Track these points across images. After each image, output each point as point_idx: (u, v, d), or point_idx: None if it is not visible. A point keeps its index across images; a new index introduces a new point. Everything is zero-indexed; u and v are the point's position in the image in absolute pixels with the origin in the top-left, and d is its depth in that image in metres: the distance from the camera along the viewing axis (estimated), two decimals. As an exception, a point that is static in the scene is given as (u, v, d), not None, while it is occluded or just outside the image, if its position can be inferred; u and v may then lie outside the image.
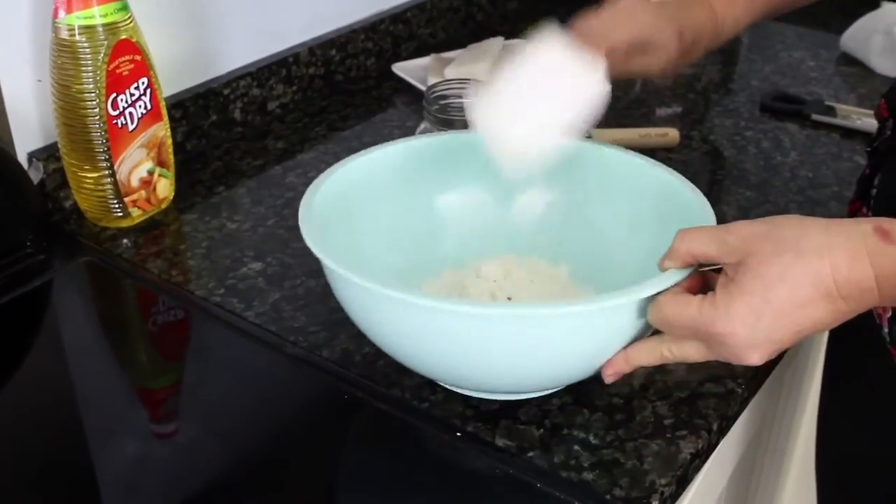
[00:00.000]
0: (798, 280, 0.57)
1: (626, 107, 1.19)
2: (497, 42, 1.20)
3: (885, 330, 0.74)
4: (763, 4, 0.87)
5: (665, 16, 0.80)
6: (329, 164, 1.03)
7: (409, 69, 1.21)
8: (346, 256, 0.68)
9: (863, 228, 0.58)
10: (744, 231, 0.61)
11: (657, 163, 0.78)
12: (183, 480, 0.70)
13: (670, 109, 1.19)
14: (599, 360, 0.67)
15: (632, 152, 0.80)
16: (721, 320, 0.59)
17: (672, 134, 1.08)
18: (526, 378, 0.70)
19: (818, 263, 0.57)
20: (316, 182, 0.75)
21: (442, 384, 0.74)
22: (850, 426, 0.87)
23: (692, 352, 0.63)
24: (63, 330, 0.87)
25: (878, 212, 0.77)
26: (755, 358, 0.60)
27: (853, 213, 0.83)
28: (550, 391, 0.74)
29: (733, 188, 1.02)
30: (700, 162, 1.08)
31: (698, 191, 0.74)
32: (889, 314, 0.73)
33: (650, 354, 0.66)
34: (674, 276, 0.63)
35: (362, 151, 0.80)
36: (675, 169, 0.78)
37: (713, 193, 1.00)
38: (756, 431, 0.95)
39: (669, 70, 0.82)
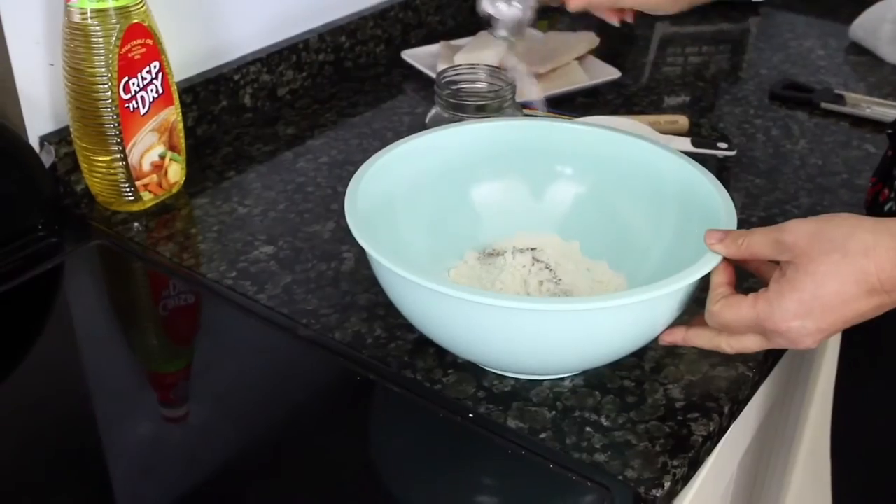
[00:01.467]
0: (845, 278, 0.62)
1: (634, 94, 1.19)
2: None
3: None
4: None
5: None
6: (339, 151, 1.04)
7: (418, 56, 1.21)
8: (387, 243, 0.71)
9: None
10: (797, 229, 0.65)
11: (686, 157, 0.79)
12: (194, 462, 0.70)
13: (679, 98, 1.19)
14: (635, 345, 0.71)
15: (659, 144, 0.81)
16: (776, 315, 0.64)
17: (682, 121, 1.08)
18: (562, 361, 0.72)
19: (863, 262, 0.61)
20: (356, 175, 0.76)
21: (473, 361, 0.74)
22: (865, 410, 0.87)
23: (750, 344, 0.68)
24: (74, 313, 0.87)
25: None
26: (809, 343, 0.65)
27: (874, 193, 0.83)
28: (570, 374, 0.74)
29: (742, 175, 1.02)
30: (724, 157, 1.07)
31: (723, 188, 0.75)
32: None
33: (709, 342, 0.69)
34: (711, 262, 0.67)
35: (399, 142, 0.81)
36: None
37: (722, 180, 1.00)
38: (767, 415, 0.95)
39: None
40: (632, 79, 1.23)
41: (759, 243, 0.66)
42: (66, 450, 0.71)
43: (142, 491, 0.68)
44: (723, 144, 1.02)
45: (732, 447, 0.85)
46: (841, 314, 0.63)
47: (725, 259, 0.68)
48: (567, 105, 1.13)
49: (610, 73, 1.19)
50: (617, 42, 1.35)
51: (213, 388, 0.78)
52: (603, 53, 1.24)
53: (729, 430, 0.76)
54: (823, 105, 1.15)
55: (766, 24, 1.43)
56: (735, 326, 0.66)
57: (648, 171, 0.81)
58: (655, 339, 0.71)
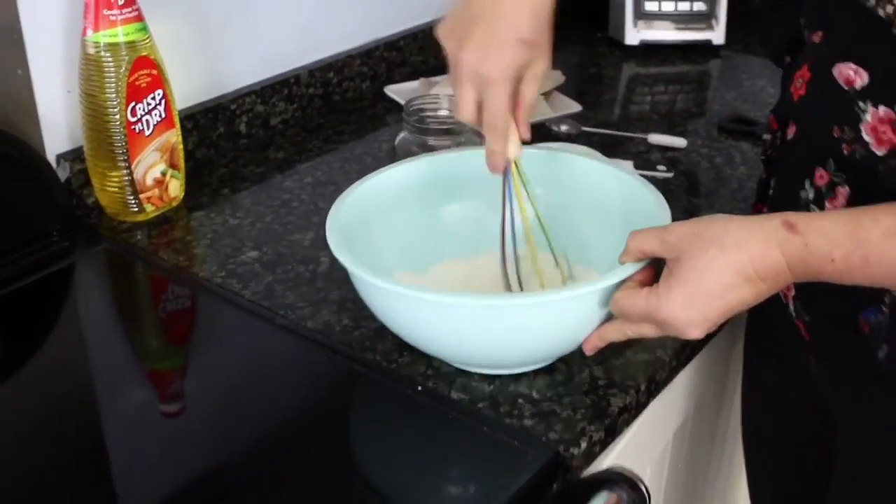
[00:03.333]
0: (723, 269, 0.70)
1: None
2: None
3: (791, 307, 0.85)
4: None
5: (501, 48, 0.80)
6: (322, 173, 1.17)
7: (400, 91, 1.34)
8: (365, 255, 0.81)
9: (773, 223, 0.70)
10: (679, 231, 0.74)
11: (627, 170, 0.90)
12: (181, 434, 0.81)
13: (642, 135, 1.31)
14: (578, 338, 0.80)
15: (606, 160, 0.92)
16: (664, 307, 0.72)
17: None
18: (513, 356, 0.82)
19: (738, 255, 0.70)
20: (339, 199, 0.86)
21: (447, 361, 0.84)
22: (768, 399, 0.99)
23: (647, 331, 0.77)
24: (83, 307, 0.99)
25: (775, 210, 0.88)
26: (696, 333, 0.73)
27: (757, 212, 0.94)
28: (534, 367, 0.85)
29: (684, 196, 1.14)
30: (663, 179, 1.19)
31: (659, 193, 0.86)
32: (793, 292, 0.85)
33: (617, 333, 0.79)
34: (626, 270, 0.76)
35: (379, 170, 0.91)
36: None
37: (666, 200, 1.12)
38: (702, 398, 1.06)
39: (548, 65, 0.84)
40: (600, 119, 1.34)
41: (646, 241, 0.75)
42: (69, 436, 0.80)
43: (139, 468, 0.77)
44: (661, 167, 1.14)
45: (662, 421, 0.96)
46: (723, 303, 0.71)
47: (650, 264, 0.77)
48: (539, 135, 1.24)
49: (572, 107, 1.31)
50: (583, 81, 1.48)
51: (203, 367, 0.89)
52: (571, 91, 1.36)
53: (649, 406, 0.87)
54: (765, 136, 1.27)
55: (725, 66, 1.55)
56: (631, 314, 0.75)
57: (595, 186, 0.92)
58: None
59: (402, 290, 0.76)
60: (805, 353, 0.88)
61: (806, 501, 0.97)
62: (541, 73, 0.83)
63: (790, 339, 0.88)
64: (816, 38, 0.80)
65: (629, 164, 1.14)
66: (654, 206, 0.85)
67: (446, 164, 0.94)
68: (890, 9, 0.70)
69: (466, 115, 0.81)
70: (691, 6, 1.55)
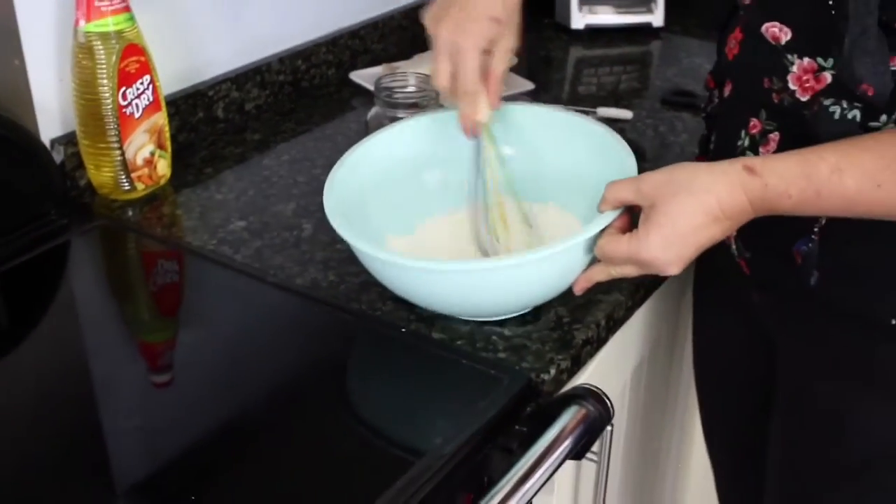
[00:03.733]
0: (694, 211, 0.80)
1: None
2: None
3: (733, 247, 0.96)
4: None
5: (473, 23, 0.91)
6: (297, 151, 1.26)
7: (364, 76, 1.43)
8: (359, 222, 0.90)
9: (735, 167, 0.80)
10: (651, 179, 0.83)
11: (592, 120, 1.00)
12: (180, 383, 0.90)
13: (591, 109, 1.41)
14: (563, 284, 0.89)
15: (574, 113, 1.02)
16: (643, 249, 0.81)
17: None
18: (500, 307, 0.91)
19: (706, 197, 0.80)
20: (331, 175, 0.94)
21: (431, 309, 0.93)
22: (716, 336, 1.09)
23: (629, 270, 0.85)
24: (77, 282, 1.07)
25: (716, 160, 0.98)
26: (674, 270, 0.82)
27: None
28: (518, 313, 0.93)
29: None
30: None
31: (623, 141, 0.95)
32: (734, 233, 0.95)
33: (603, 274, 0.88)
34: (606, 218, 0.85)
35: (362, 142, 1.00)
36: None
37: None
38: (653, 345, 1.16)
39: (516, 43, 0.96)
40: (552, 96, 1.44)
41: (622, 190, 0.84)
42: (64, 406, 0.85)
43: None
44: (611, 134, 1.25)
45: (622, 357, 1.07)
46: (695, 240, 0.81)
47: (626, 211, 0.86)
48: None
49: (525, 86, 1.41)
50: (534, 63, 1.58)
51: (205, 327, 0.98)
52: (522, 73, 1.46)
53: (610, 341, 0.97)
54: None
55: (665, 47, 1.66)
56: (614, 258, 0.84)
57: (563, 134, 1.01)
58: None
59: (398, 259, 0.85)
60: (748, 289, 0.99)
61: (753, 428, 1.08)
62: (508, 48, 0.94)
63: (734, 277, 0.98)
64: (747, 1, 0.90)
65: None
66: (617, 147, 0.94)
67: (423, 128, 1.03)
68: None
69: (442, 82, 0.92)
70: (632, -9, 1.66)
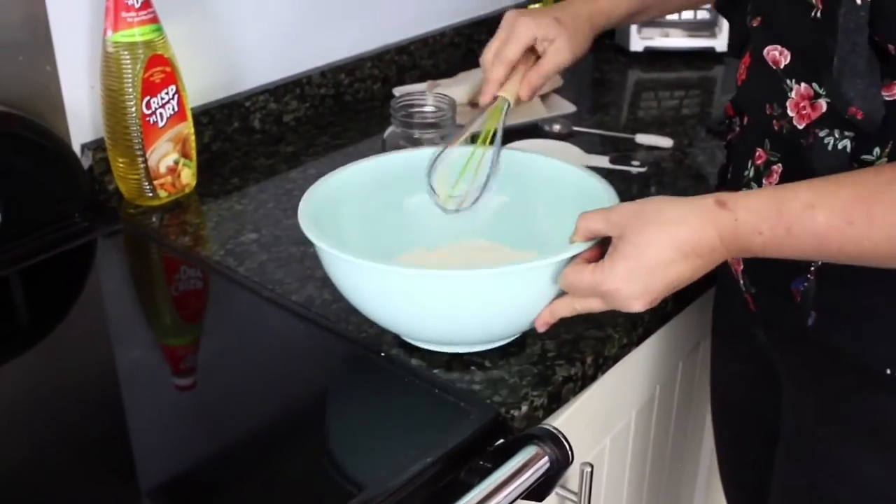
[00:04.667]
0: (663, 245, 0.76)
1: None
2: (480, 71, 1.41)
3: (741, 281, 0.93)
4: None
5: (540, 14, 1.00)
6: (325, 165, 1.26)
7: (408, 92, 1.43)
8: (333, 238, 0.88)
9: (707, 202, 0.77)
10: (622, 210, 0.81)
11: (578, 166, 0.98)
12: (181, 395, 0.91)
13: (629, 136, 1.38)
14: (529, 316, 0.86)
15: (559, 159, 1.00)
16: (608, 280, 0.78)
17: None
18: (469, 333, 0.89)
19: (675, 231, 0.76)
20: (310, 189, 0.95)
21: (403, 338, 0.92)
22: (730, 370, 1.07)
23: (594, 304, 0.82)
24: (102, 280, 1.10)
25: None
26: (637, 306, 0.79)
27: None
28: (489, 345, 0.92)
29: (659, 191, 1.21)
30: (638, 174, 1.26)
31: (610, 186, 0.92)
32: (742, 266, 0.92)
33: (566, 308, 0.85)
34: (574, 249, 0.83)
35: (346, 165, 1.01)
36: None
37: (639, 191, 1.20)
38: (665, 383, 1.13)
39: (572, 55, 1.00)
40: (595, 120, 1.42)
41: (593, 220, 0.81)
42: (90, 402, 0.89)
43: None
44: (635, 162, 1.22)
45: (621, 396, 1.04)
46: (662, 276, 0.77)
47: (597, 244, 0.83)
48: (532, 132, 1.33)
49: (567, 108, 1.39)
50: (586, 84, 1.55)
51: (204, 332, 0.99)
52: (569, 94, 1.44)
53: (601, 379, 0.94)
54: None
55: (728, 72, 1.61)
56: (578, 288, 0.81)
57: (553, 181, 1.00)
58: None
59: (345, 256, 0.83)
60: (754, 324, 0.96)
61: (761, 465, 1.04)
62: (560, 50, 0.99)
63: (743, 312, 0.95)
64: (755, 23, 0.87)
65: (605, 159, 1.21)
66: (604, 194, 0.92)
67: (409, 159, 1.02)
68: None
69: (487, 54, 1.00)
70: (695, 14, 1.61)
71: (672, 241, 0.77)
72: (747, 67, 0.89)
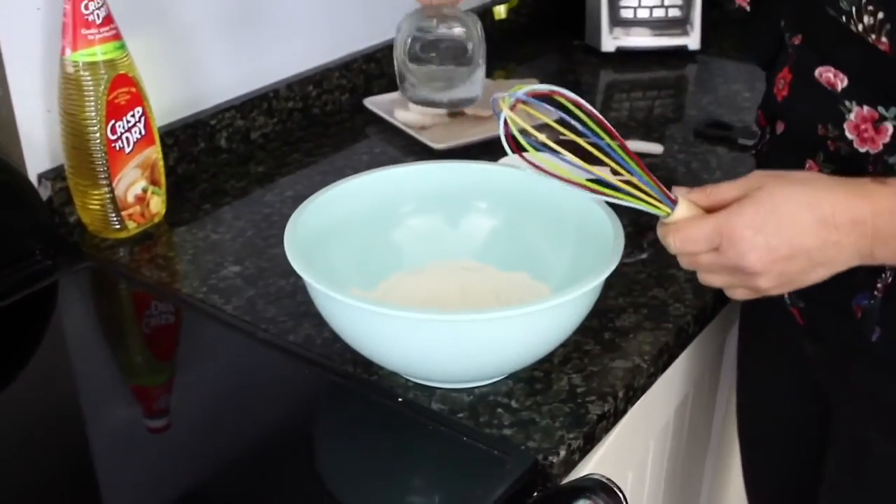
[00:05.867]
0: (801, 203, 0.68)
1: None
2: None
3: (786, 296, 0.88)
4: None
5: None
6: (303, 186, 1.18)
7: (379, 103, 1.35)
8: (322, 270, 0.82)
9: (862, 179, 0.71)
10: (764, 173, 0.72)
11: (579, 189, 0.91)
12: (167, 444, 0.82)
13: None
14: (541, 348, 0.82)
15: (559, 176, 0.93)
16: (734, 220, 0.69)
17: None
18: (481, 370, 0.84)
19: (822, 193, 0.69)
20: (296, 212, 0.88)
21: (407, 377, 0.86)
22: (763, 387, 1.02)
23: (708, 261, 0.72)
24: (66, 326, 1.00)
25: None
26: (753, 258, 0.69)
27: None
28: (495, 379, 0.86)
29: (660, 202, 1.15)
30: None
31: (612, 212, 0.87)
32: None
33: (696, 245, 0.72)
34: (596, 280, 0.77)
35: (334, 183, 0.94)
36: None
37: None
38: (682, 402, 1.08)
39: None
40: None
41: (727, 189, 0.71)
42: (56, 455, 0.81)
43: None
44: (637, 174, 1.16)
45: (643, 426, 0.98)
46: (789, 236, 0.68)
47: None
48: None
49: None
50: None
51: (187, 383, 0.90)
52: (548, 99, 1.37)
53: (629, 413, 0.88)
54: (741, 141, 1.29)
55: (701, 71, 1.57)
56: (695, 237, 0.71)
57: (551, 201, 0.93)
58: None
59: (347, 300, 0.77)
60: (800, 338, 0.91)
61: (801, 479, 1.00)
62: None
63: (785, 326, 0.91)
64: (797, 40, 0.82)
65: (605, 170, 1.15)
66: (607, 221, 0.86)
67: (396, 179, 0.96)
68: (860, 27, 0.73)
69: None
70: (666, 12, 1.56)
71: (812, 199, 0.69)
72: (789, 83, 0.83)
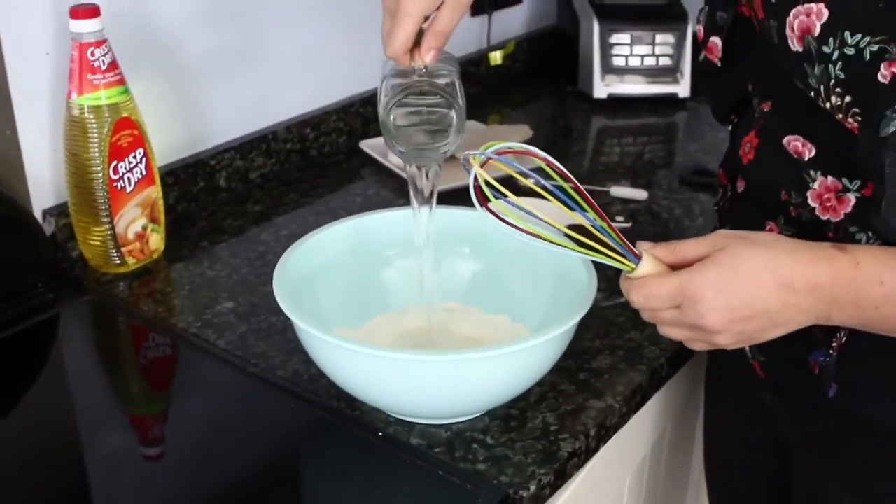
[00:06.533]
0: (761, 266, 0.70)
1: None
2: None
3: (747, 349, 0.91)
4: None
5: None
6: (298, 225, 1.22)
7: (374, 146, 1.40)
8: (309, 309, 0.87)
9: (823, 245, 0.73)
10: (728, 232, 0.75)
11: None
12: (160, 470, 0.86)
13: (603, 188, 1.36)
14: (519, 388, 0.86)
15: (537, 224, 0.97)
16: (696, 281, 0.71)
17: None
18: (456, 406, 0.87)
19: (782, 257, 0.71)
20: (285, 255, 0.93)
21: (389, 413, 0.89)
22: (728, 434, 1.05)
23: (669, 317, 0.75)
24: (67, 356, 1.04)
25: None
26: (713, 318, 0.71)
27: None
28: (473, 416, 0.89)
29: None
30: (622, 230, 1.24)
31: (588, 259, 0.90)
32: None
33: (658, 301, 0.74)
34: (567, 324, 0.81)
35: (322, 227, 0.98)
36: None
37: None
38: (657, 442, 1.11)
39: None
40: (571, 167, 1.39)
41: (690, 247, 0.74)
42: (54, 483, 0.85)
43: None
44: (620, 218, 1.20)
45: (617, 463, 1.01)
46: (749, 298, 0.70)
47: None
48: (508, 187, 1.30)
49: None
50: (553, 133, 1.54)
51: (180, 415, 0.94)
52: (540, 144, 1.42)
53: (602, 450, 0.92)
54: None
55: (691, 118, 1.61)
56: (656, 294, 0.73)
57: (530, 249, 0.97)
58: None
59: (331, 339, 0.81)
60: (761, 391, 0.94)
61: None
62: (460, 3, 0.82)
63: (747, 378, 0.94)
64: (766, 107, 0.84)
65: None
66: (581, 268, 0.90)
67: (383, 223, 1.00)
68: (828, 105, 0.74)
69: (396, 47, 0.82)
70: (657, 61, 1.61)
71: (773, 263, 0.71)
72: (755, 148, 0.86)
